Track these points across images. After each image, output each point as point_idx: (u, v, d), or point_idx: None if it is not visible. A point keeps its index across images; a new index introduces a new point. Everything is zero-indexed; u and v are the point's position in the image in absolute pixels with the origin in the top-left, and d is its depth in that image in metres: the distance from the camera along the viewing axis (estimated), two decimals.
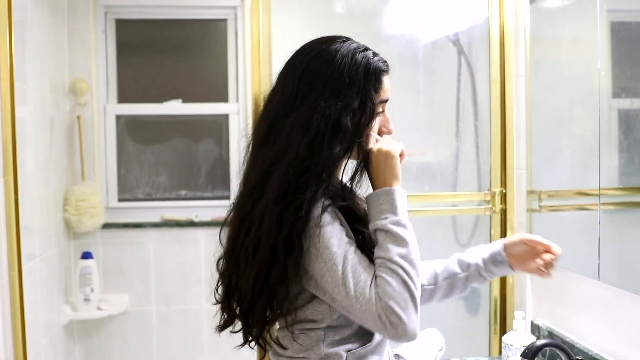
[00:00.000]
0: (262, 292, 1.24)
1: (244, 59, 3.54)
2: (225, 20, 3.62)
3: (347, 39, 1.33)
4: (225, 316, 1.40)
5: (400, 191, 1.28)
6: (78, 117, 3.37)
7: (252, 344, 1.39)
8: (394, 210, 1.25)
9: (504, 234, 2.41)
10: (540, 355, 1.97)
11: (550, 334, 2.05)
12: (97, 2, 3.47)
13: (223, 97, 3.63)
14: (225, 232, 1.38)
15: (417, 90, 2.57)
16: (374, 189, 1.31)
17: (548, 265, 1.51)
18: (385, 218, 1.24)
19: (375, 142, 1.33)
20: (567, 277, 1.99)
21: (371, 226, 1.27)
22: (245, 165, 1.35)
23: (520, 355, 1.74)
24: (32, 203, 2.71)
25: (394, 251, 1.21)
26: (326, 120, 1.23)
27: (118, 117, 3.57)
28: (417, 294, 1.19)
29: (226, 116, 3.61)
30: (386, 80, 1.33)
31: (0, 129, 2.20)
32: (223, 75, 3.63)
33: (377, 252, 1.23)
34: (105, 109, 3.53)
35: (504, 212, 2.42)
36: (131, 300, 3.47)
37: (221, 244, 1.39)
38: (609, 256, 1.77)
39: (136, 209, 3.57)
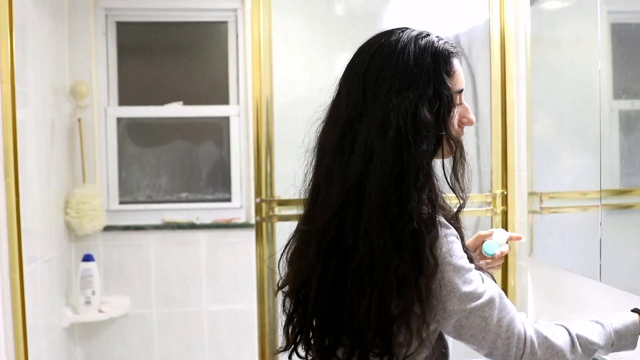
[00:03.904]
0: (389, 320, 1.12)
1: (244, 61, 3.54)
2: (225, 22, 3.62)
3: (406, 28, 1.22)
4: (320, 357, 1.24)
5: None
6: (79, 120, 3.37)
7: None
8: (618, 346, 1.23)
9: None
10: None
11: None
12: (98, 5, 3.48)
13: (224, 100, 3.63)
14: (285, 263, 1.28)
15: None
16: None
17: None
18: (613, 344, 1.22)
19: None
20: (568, 278, 1.99)
21: (609, 324, 1.23)
22: (313, 182, 1.23)
23: None
24: (33, 205, 2.71)
25: (589, 338, 1.19)
26: (404, 117, 1.11)
27: (119, 120, 3.57)
28: None
29: (227, 118, 3.61)
30: (457, 64, 1.21)
31: (1, 131, 2.20)
32: (224, 77, 3.63)
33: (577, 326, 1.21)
34: (106, 111, 3.53)
35: (505, 214, 2.41)
36: (132, 303, 3.47)
37: (279, 273, 1.30)
38: (610, 257, 1.77)
39: (137, 211, 3.57)
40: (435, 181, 1.18)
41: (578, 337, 1.19)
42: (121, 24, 3.57)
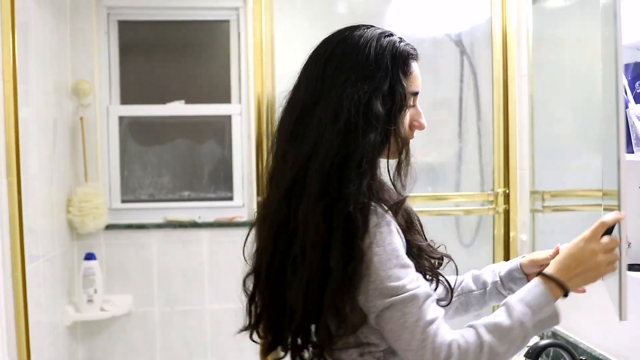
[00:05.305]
0: (317, 304, 1.13)
1: (246, 60, 3.54)
2: (227, 21, 3.62)
3: (372, 25, 1.26)
4: (270, 339, 1.28)
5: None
6: (81, 119, 3.37)
7: None
8: (535, 312, 1.20)
9: (507, 234, 2.41)
10: (544, 356, 1.97)
11: (554, 334, 2.04)
12: (100, 4, 3.48)
13: (226, 98, 3.63)
14: (251, 244, 1.30)
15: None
16: (554, 273, 1.24)
17: None
18: (527, 314, 1.18)
19: None
20: None
21: (511, 298, 1.18)
22: (272, 166, 1.26)
23: (524, 356, 1.74)
24: (36, 204, 2.71)
25: (500, 339, 1.13)
26: (356, 106, 1.15)
27: (121, 118, 3.57)
28: None
29: (229, 117, 3.61)
30: (415, 67, 1.25)
31: (4, 130, 2.20)
32: (226, 76, 3.63)
33: (491, 318, 1.15)
34: (108, 110, 3.53)
35: (507, 213, 2.41)
36: (134, 301, 3.48)
37: (246, 261, 1.32)
38: None
39: (139, 210, 3.57)
40: (378, 173, 1.20)
41: (486, 326, 1.13)
42: (123, 22, 3.58)
